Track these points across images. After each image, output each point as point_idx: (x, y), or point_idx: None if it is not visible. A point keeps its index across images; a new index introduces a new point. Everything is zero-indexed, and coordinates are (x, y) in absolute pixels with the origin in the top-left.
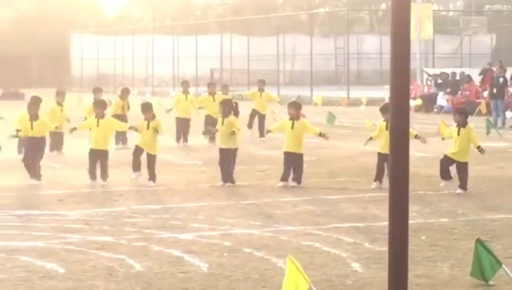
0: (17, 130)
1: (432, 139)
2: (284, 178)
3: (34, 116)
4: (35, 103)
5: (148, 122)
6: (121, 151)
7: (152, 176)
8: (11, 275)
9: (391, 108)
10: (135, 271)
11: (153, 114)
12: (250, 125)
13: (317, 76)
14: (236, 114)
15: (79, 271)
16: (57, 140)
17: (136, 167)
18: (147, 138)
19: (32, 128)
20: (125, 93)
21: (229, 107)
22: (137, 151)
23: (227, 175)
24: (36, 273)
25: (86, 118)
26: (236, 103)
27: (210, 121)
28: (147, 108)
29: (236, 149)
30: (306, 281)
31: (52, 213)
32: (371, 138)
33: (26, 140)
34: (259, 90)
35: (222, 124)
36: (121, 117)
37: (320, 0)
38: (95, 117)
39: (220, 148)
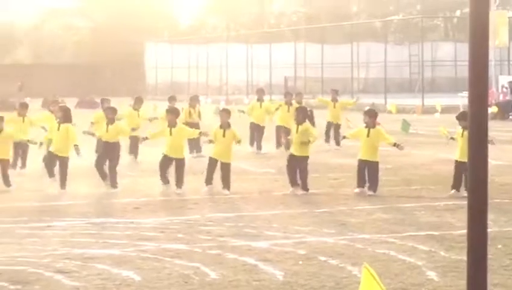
0: (92, 123)
1: (508, 146)
2: (360, 185)
3: (110, 120)
4: (112, 107)
5: (224, 130)
6: (196, 160)
7: (226, 185)
8: (87, 283)
9: (469, 116)
10: (210, 279)
11: (229, 122)
12: (327, 140)
13: (391, 83)
14: (312, 123)
15: (154, 279)
16: (134, 144)
17: (209, 180)
18: (221, 146)
19: (107, 131)
20: (194, 100)
21: (304, 115)
22: (212, 163)
23: (295, 180)
24: (112, 281)
25: (152, 118)
26: (311, 111)
27: (281, 132)
28: (226, 112)
29: (307, 157)
30: None
31: (128, 221)
32: (452, 138)
33: (101, 144)
34: (332, 100)
35: (297, 132)
36: (193, 125)
37: (394, 8)
38: (168, 126)
39: (290, 154)
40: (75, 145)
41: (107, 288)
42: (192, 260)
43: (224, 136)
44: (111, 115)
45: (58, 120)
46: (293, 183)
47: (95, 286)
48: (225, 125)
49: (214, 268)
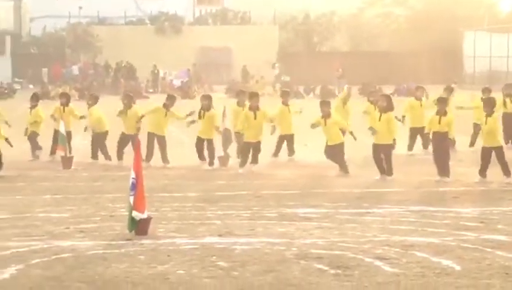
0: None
1: None
2: None
3: (442, 112)
4: (444, 99)
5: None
6: None
7: None
8: (406, 270)
9: None
10: None
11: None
12: None
13: None
14: None
15: (474, 269)
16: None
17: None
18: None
19: (439, 123)
20: (509, 89)
21: None
22: (486, 152)
23: None
24: (432, 269)
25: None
26: None
27: None
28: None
29: None
30: None
31: (447, 210)
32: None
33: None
34: None
35: None
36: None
37: None
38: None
39: None
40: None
41: (426, 276)
42: None
43: None
44: (443, 107)
45: (379, 109)
46: None
47: (415, 273)
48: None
49: None
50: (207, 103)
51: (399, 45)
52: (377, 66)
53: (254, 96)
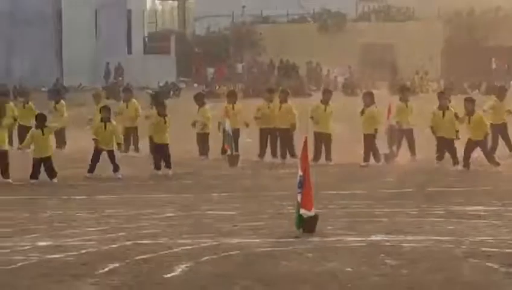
0: None
1: None
2: None
3: None
4: None
5: None
6: None
7: None
8: None
9: None
10: None
11: None
12: None
13: None
14: None
15: None
16: None
17: None
18: None
19: None
20: None
21: None
22: None
23: None
24: None
25: None
26: None
27: None
28: None
29: None
30: None
31: None
32: None
33: None
34: None
35: None
36: None
37: None
38: None
39: None
40: None
41: None
42: None
43: None
44: None
45: None
46: None
47: None
48: None
49: None
50: (369, 100)
51: None
52: None
53: (442, 95)
